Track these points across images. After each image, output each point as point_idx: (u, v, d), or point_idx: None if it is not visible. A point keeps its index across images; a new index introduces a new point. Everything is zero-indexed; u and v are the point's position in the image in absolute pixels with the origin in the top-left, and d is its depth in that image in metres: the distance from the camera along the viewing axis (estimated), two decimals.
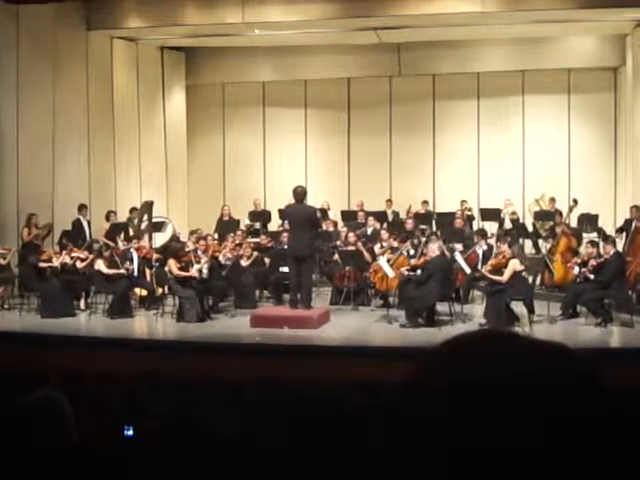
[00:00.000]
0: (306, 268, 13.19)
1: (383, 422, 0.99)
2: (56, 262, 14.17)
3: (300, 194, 13.27)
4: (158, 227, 17.31)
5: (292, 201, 13.74)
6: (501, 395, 0.92)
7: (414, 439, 0.94)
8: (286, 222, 15.15)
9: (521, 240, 16.74)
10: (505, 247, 13.20)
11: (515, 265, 12.66)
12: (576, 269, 13.18)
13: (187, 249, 14.22)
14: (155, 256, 15.01)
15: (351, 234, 15.18)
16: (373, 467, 1.01)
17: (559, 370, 0.95)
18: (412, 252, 14.30)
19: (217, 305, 14.22)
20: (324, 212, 18.03)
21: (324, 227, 17.12)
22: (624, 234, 15.21)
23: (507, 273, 12.55)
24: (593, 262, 12.76)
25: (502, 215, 17.54)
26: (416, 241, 15.04)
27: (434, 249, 13.01)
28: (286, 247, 14.32)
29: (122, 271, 14.06)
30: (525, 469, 0.90)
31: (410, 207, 18.56)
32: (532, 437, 0.90)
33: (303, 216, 13.19)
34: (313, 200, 16.30)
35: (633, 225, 15.03)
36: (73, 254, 14.44)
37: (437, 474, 0.93)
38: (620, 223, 16.38)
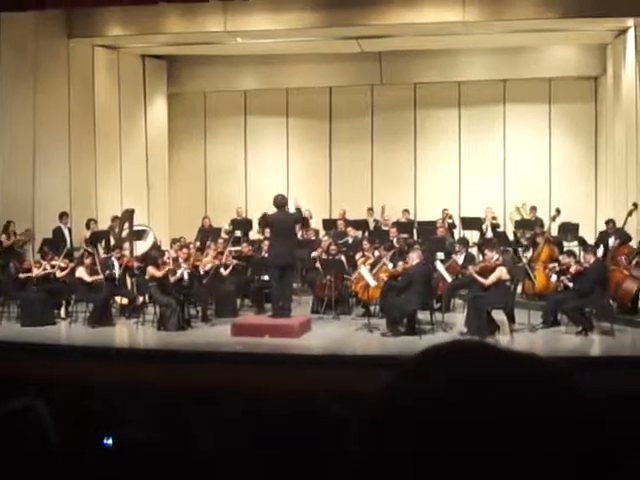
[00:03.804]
0: (288, 276, 13.26)
1: (360, 431, 0.99)
2: (36, 271, 14.11)
3: (281, 202, 13.29)
4: (139, 235, 17.26)
5: (272, 210, 13.69)
6: (473, 405, 0.92)
7: (388, 447, 0.95)
8: (267, 230, 15.14)
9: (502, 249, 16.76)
10: (494, 253, 13.18)
11: (502, 272, 12.68)
12: (554, 277, 13.23)
13: (167, 257, 14.19)
14: (136, 264, 14.98)
15: (333, 247, 15.24)
16: (351, 476, 1.02)
17: (531, 379, 0.96)
18: (390, 263, 14.28)
19: (206, 313, 14.12)
20: (306, 220, 18.02)
21: (305, 235, 17.14)
22: (601, 247, 15.22)
23: (492, 278, 12.57)
24: (572, 270, 12.81)
25: (484, 226, 17.54)
26: (398, 249, 15.06)
27: (414, 257, 13.03)
28: (267, 255, 14.31)
29: (101, 277, 14.03)
30: (496, 472, 0.91)
31: (383, 207, 18.59)
32: (501, 442, 0.91)
33: (287, 224, 13.27)
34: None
35: (611, 241, 15.02)
36: (53, 262, 14.38)
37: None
38: (596, 233, 16.44)
